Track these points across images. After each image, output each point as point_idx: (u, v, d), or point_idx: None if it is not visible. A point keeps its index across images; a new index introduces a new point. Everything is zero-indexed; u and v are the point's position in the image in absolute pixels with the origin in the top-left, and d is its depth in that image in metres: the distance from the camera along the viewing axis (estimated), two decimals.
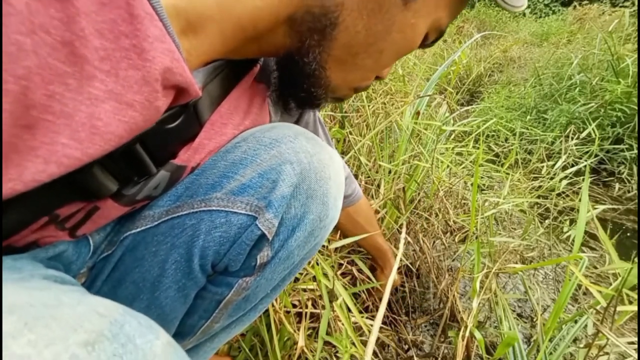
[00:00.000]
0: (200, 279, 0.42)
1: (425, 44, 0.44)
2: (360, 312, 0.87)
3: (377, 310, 0.88)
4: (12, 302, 0.21)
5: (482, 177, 1.52)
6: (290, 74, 0.41)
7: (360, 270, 0.90)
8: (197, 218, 0.40)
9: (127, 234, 0.42)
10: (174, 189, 0.42)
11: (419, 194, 1.12)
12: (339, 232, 0.85)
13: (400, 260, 0.88)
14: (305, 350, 0.62)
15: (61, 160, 0.24)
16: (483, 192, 1.44)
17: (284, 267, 0.44)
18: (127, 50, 0.25)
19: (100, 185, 0.32)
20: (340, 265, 0.92)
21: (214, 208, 0.40)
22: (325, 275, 0.69)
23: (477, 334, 0.66)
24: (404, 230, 0.89)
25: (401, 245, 0.79)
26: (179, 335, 0.46)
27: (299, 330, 0.64)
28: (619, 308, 0.63)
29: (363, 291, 0.90)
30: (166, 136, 0.35)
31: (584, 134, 1.73)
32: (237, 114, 0.44)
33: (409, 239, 0.96)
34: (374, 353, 0.79)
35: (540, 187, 1.41)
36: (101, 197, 0.34)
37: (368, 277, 0.89)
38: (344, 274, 0.93)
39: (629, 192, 1.79)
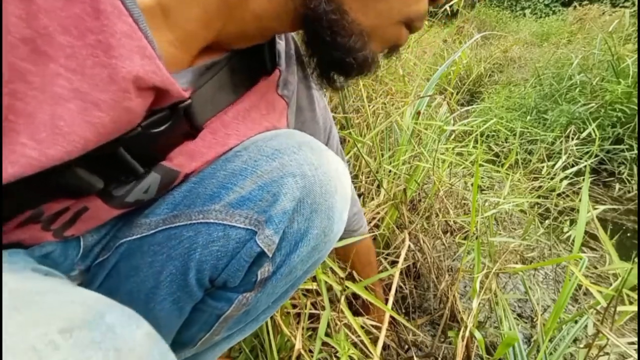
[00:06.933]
0: (196, 292, 0.40)
1: None
2: (361, 313, 0.87)
3: (377, 310, 0.88)
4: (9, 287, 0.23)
5: (482, 177, 1.52)
6: (315, 38, 0.35)
7: None
8: (195, 230, 0.38)
9: (123, 240, 0.41)
10: (171, 196, 0.40)
11: (419, 194, 1.12)
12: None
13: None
14: (303, 352, 0.62)
15: (18, 160, 0.23)
16: (483, 192, 1.44)
17: (286, 281, 0.42)
18: (93, 47, 0.24)
19: (84, 182, 0.31)
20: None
21: (211, 221, 0.38)
22: (326, 273, 0.69)
23: (477, 334, 0.66)
24: (406, 240, 0.88)
25: (401, 259, 0.79)
26: (179, 344, 0.45)
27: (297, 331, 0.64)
28: (619, 308, 0.62)
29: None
30: (151, 140, 0.33)
31: (584, 134, 1.73)
32: (244, 124, 0.41)
33: (412, 246, 0.95)
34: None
35: (540, 187, 1.40)
36: (87, 194, 0.33)
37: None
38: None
39: (629, 192, 1.79)
